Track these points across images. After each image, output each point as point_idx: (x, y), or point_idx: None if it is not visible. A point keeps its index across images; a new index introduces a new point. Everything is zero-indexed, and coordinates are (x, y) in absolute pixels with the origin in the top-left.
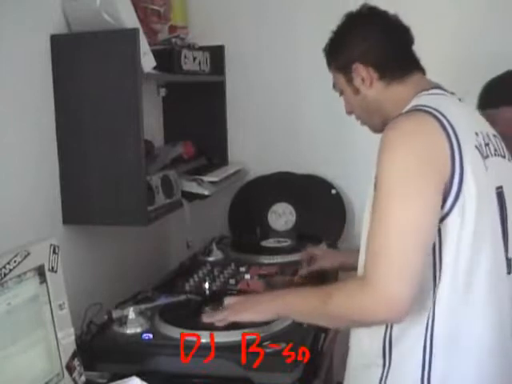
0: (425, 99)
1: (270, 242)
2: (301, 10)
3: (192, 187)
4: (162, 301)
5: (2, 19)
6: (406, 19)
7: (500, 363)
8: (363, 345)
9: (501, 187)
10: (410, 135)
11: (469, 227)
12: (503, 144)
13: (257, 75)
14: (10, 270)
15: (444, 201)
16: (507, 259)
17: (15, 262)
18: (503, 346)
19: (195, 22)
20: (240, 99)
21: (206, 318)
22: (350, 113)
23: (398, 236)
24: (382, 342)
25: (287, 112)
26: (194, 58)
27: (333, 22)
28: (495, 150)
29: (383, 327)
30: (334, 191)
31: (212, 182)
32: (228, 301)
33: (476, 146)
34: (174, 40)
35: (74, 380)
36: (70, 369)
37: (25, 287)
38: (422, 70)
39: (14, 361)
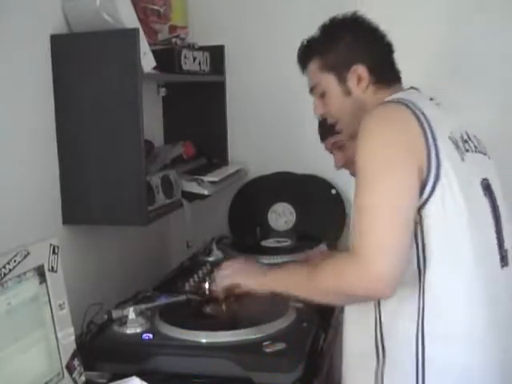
0: (397, 94)
1: (269, 242)
2: (301, 9)
3: (192, 187)
4: (162, 301)
5: (1, 19)
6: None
7: (497, 357)
8: (356, 336)
9: (486, 179)
10: (386, 121)
11: (452, 213)
12: (484, 144)
13: (257, 75)
14: (10, 270)
15: (423, 186)
16: (501, 251)
17: (15, 261)
18: (496, 338)
19: (195, 22)
20: (240, 99)
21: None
22: (322, 114)
23: (383, 214)
24: (373, 333)
25: (287, 112)
26: (194, 58)
27: None
28: (475, 147)
29: (373, 320)
30: (333, 191)
31: (212, 182)
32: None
33: (450, 138)
34: (174, 40)
35: (73, 380)
36: (69, 369)
37: (25, 287)
38: (400, 81)
39: (14, 361)
